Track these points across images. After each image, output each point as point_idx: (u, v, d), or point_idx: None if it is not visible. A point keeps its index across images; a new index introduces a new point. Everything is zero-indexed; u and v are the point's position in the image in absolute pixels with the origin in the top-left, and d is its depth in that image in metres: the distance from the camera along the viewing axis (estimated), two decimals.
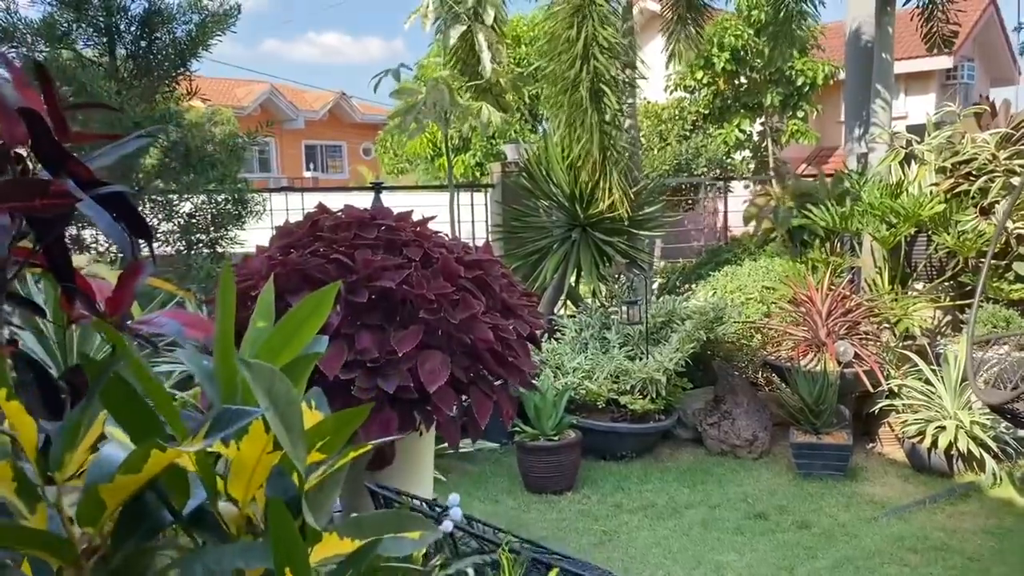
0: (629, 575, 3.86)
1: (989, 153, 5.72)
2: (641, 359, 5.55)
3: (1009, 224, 5.54)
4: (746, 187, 13.96)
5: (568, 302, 6.85)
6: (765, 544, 4.13)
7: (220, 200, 5.25)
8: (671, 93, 16.55)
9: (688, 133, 16.21)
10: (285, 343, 1.03)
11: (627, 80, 6.26)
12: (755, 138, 16.46)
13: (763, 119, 16.10)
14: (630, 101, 6.52)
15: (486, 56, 5.97)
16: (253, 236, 4.42)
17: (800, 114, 16.03)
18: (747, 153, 16.61)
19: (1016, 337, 5.05)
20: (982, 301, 5.63)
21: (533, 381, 3.51)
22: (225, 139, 5.51)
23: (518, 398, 5.05)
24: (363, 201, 6.98)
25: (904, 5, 7.19)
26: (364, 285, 2.80)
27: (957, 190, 5.91)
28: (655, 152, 15.66)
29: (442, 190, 9.36)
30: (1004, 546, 4.02)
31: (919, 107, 17.90)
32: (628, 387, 5.38)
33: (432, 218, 3.29)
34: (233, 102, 23.68)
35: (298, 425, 0.84)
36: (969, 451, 4.82)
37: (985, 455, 4.82)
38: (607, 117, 5.88)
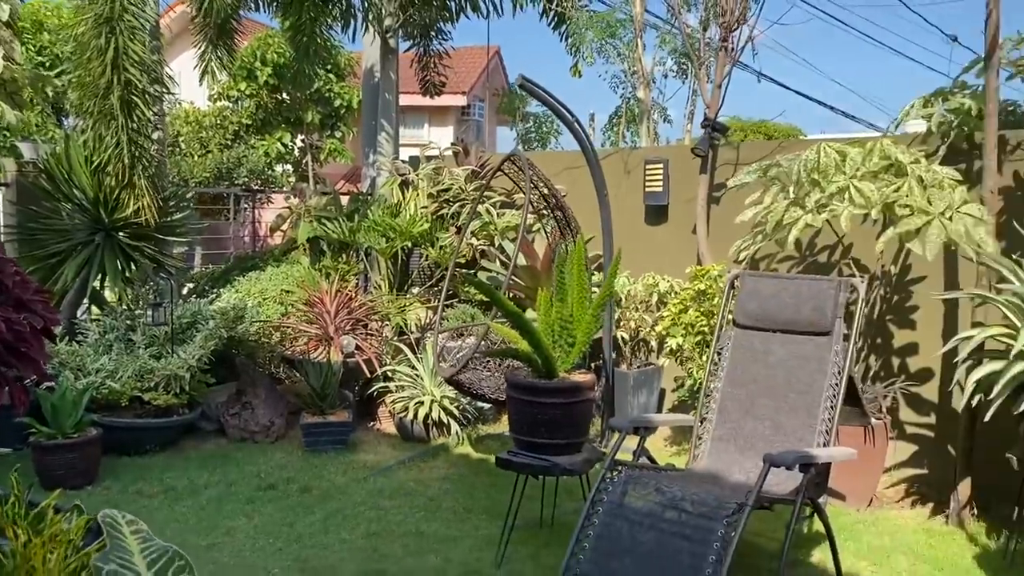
0: None
1: (460, 185, 7.21)
2: (166, 358, 5.91)
3: (475, 241, 7.05)
4: (286, 199, 14.70)
5: (94, 306, 6.85)
6: (272, 508, 4.84)
7: None
8: (215, 102, 16.67)
9: (230, 142, 16.47)
10: None
11: (156, 93, 6.56)
12: (296, 153, 17.32)
13: (304, 135, 17.03)
14: (159, 112, 6.82)
15: None
16: None
17: (338, 134, 17.30)
18: (289, 167, 17.39)
19: (476, 328, 6.48)
20: (456, 302, 7.07)
21: (48, 372, 3.74)
22: None
23: (35, 400, 5.09)
24: None
25: (406, 51, 8.63)
26: None
27: (440, 213, 7.30)
28: (196, 159, 15.65)
29: None
30: (455, 487, 5.25)
31: (440, 136, 20.50)
32: (152, 384, 5.71)
33: None
34: None
35: None
36: (440, 420, 6.10)
37: (452, 422, 6.14)
38: (137, 126, 6.15)
